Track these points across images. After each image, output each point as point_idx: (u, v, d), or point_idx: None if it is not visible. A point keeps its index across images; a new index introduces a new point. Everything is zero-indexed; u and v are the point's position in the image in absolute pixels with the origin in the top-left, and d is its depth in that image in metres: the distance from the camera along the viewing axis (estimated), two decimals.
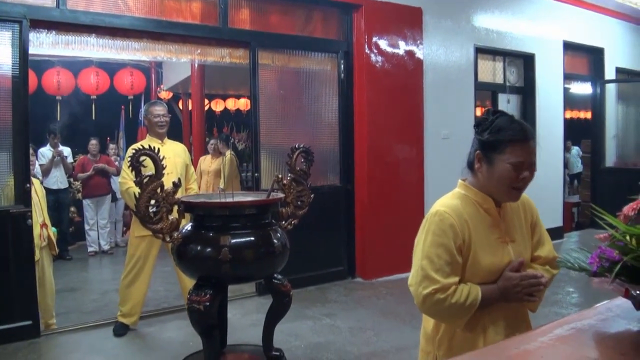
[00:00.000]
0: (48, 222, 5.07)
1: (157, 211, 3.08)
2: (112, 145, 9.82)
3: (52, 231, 5.11)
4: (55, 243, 5.15)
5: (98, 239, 8.77)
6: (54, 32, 4.97)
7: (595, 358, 1.34)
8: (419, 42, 7.06)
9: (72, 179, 9.17)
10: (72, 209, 9.47)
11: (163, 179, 3.08)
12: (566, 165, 11.76)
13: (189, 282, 4.85)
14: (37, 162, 7.77)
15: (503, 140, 1.98)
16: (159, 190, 3.07)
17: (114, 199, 9.18)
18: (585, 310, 1.71)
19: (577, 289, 6.19)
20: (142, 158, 3.03)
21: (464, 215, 2.03)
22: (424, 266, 1.97)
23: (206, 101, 11.82)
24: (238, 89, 13.30)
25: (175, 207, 3.18)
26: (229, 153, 8.66)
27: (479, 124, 2.10)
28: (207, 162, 8.84)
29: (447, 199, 2.12)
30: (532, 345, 1.38)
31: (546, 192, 7.92)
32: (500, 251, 2.04)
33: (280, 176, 3.59)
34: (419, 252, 2.03)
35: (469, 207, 2.06)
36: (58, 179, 8.22)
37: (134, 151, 3.04)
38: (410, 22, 6.99)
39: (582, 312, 1.70)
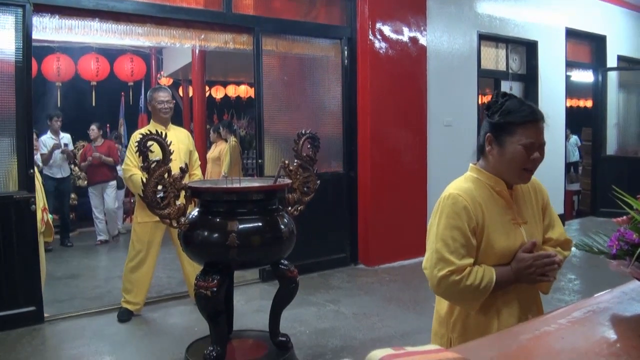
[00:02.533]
0: (47, 207, 5.07)
1: (164, 197, 3.07)
2: (92, 127, 9.45)
3: (49, 217, 5.10)
4: (52, 229, 5.14)
5: (107, 227, 8.70)
6: (57, 16, 4.93)
7: (614, 339, 1.35)
8: (422, 28, 7.04)
9: (73, 166, 9.16)
10: (73, 195, 9.45)
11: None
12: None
13: (192, 270, 4.89)
14: (40, 150, 7.77)
15: (514, 122, 2.00)
16: (166, 175, 3.05)
17: (120, 186, 9.05)
18: (601, 293, 1.71)
19: (579, 276, 6.21)
20: (149, 143, 3.02)
21: (477, 198, 2.03)
22: (439, 249, 1.98)
23: (206, 88, 11.77)
24: (238, 76, 13.26)
25: (183, 193, 3.17)
26: (232, 139, 8.64)
27: (489, 106, 2.12)
28: (211, 149, 8.84)
29: (459, 182, 2.12)
30: (551, 327, 1.38)
31: (547, 180, 7.85)
32: (513, 233, 2.05)
33: (287, 162, 3.58)
34: (433, 235, 2.04)
35: (481, 190, 2.07)
36: (62, 168, 8.15)
37: (141, 136, 3.02)
38: (413, 8, 6.97)
39: (597, 295, 1.70)
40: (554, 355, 1.23)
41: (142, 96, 11.28)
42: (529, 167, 2.01)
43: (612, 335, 1.38)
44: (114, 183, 8.75)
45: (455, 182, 2.14)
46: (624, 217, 1.54)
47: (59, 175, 8.10)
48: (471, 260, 1.97)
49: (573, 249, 2.18)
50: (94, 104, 10.09)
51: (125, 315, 4.94)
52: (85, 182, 9.19)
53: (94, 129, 8.68)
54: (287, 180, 3.52)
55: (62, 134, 8.20)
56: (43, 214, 4.87)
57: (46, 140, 8.03)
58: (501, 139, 2.03)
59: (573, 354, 1.22)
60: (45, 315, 4.84)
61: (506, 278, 1.99)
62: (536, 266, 1.97)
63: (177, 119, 10.54)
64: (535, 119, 2.01)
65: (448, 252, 1.96)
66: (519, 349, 1.26)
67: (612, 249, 1.48)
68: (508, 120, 2.01)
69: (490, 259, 2.01)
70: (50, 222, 5.06)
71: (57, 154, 7.98)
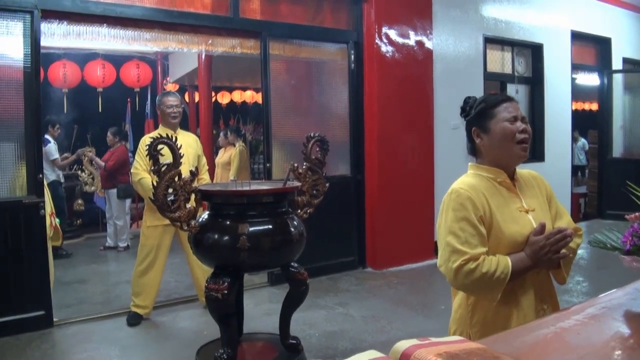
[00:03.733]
0: (54, 211, 5.09)
1: (175, 199, 3.08)
2: (110, 137, 9.27)
3: (57, 221, 5.13)
4: (60, 233, 5.17)
5: (115, 234, 8.52)
6: (65, 22, 4.96)
7: (628, 334, 1.36)
8: (428, 32, 7.06)
9: (80, 172, 9.19)
10: (80, 201, 9.47)
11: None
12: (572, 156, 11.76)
13: (202, 273, 4.91)
14: (51, 156, 7.79)
15: (490, 105, 2.13)
16: (176, 178, 3.07)
17: (120, 195, 8.55)
18: (614, 290, 1.72)
19: (587, 278, 6.19)
20: (159, 146, 3.04)
21: (481, 189, 2.07)
22: (450, 242, 1.99)
23: (212, 93, 11.81)
24: (244, 81, 13.30)
25: (193, 196, 3.18)
26: (239, 144, 8.67)
27: (463, 109, 2.25)
28: (219, 154, 8.86)
29: (460, 179, 2.17)
30: (566, 323, 1.39)
31: (554, 183, 7.88)
32: (522, 220, 2.07)
33: (296, 165, 3.59)
34: (443, 231, 2.05)
35: (484, 183, 2.11)
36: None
37: (151, 139, 3.04)
38: (419, 12, 6.99)
39: (610, 292, 1.71)
40: (571, 349, 1.24)
41: (149, 102, 11.31)
42: (520, 139, 2.07)
43: (626, 330, 1.39)
44: (113, 192, 8.45)
45: (457, 180, 2.17)
46: (637, 214, 1.55)
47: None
48: (484, 249, 1.98)
49: (580, 251, 2.20)
50: (100, 110, 10.13)
51: (134, 319, 4.95)
52: (93, 188, 9.20)
53: (109, 136, 8.70)
54: (297, 183, 3.53)
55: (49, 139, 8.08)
56: (51, 218, 4.90)
57: (52, 147, 8.02)
58: (485, 126, 2.13)
59: (589, 349, 1.23)
60: (55, 319, 4.86)
61: (522, 264, 1.99)
62: (550, 244, 1.96)
63: (184, 125, 10.56)
64: (508, 99, 2.14)
65: (459, 243, 1.97)
66: (536, 344, 1.27)
67: (626, 245, 1.49)
68: (483, 106, 2.14)
69: (502, 248, 2.02)
70: (59, 226, 5.08)
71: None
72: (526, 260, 1.99)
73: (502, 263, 1.95)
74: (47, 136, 7.92)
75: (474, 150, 2.21)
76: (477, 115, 2.15)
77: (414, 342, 0.92)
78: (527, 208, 2.11)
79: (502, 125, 2.07)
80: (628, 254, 1.49)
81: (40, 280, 4.70)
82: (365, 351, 0.92)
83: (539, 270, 2.06)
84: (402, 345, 0.91)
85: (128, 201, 8.61)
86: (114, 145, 8.67)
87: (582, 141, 14.32)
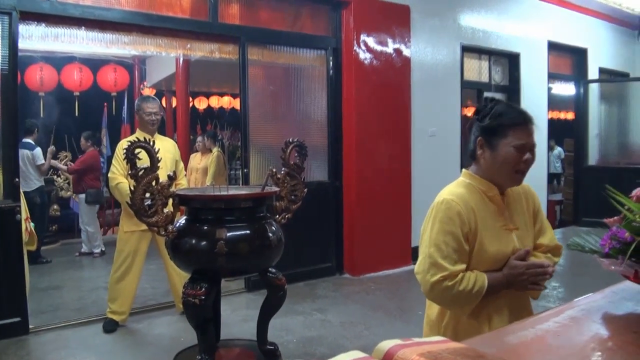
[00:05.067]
0: (29, 216, 5.03)
1: (152, 204, 3.06)
2: (83, 141, 8.90)
3: (31, 226, 5.06)
4: (35, 237, 5.11)
5: (89, 240, 8.39)
6: (43, 24, 4.92)
7: (608, 335, 1.37)
8: (406, 39, 7.10)
9: (55, 177, 9.11)
10: (55, 207, 9.37)
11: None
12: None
13: (179, 279, 4.87)
14: (37, 161, 7.67)
15: (505, 124, 2.04)
16: (154, 183, 3.05)
17: (88, 200, 8.33)
18: (592, 293, 1.74)
19: (563, 284, 6.26)
20: (137, 150, 3.01)
21: (470, 203, 2.05)
22: (432, 254, 1.99)
23: (190, 99, 11.77)
24: (222, 87, 13.27)
25: (171, 201, 3.16)
26: (215, 150, 8.64)
27: (479, 111, 2.16)
28: (197, 160, 8.82)
29: (452, 187, 2.14)
30: (546, 325, 1.40)
31: None
32: (505, 239, 2.07)
33: (274, 170, 3.58)
34: (426, 240, 2.04)
35: (474, 195, 2.09)
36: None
37: (129, 143, 3.01)
38: (398, 20, 7.03)
39: (589, 295, 1.72)
40: (552, 350, 1.25)
41: (125, 106, 11.24)
42: (521, 169, 2.04)
43: (606, 332, 1.40)
44: (81, 197, 8.31)
45: (448, 187, 2.16)
46: (616, 217, 1.56)
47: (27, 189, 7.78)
48: (463, 266, 1.99)
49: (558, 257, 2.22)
50: (76, 114, 10.04)
51: (110, 326, 4.90)
52: (69, 193, 9.12)
53: (82, 141, 8.64)
54: (275, 188, 3.52)
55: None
56: (26, 223, 4.84)
57: (39, 152, 7.87)
58: (492, 142, 2.06)
59: (570, 350, 1.24)
60: (30, 326, 4.80)
61: (497, 283, 2.01)
62: (529, 274, 1.99)
63: (161, 130, 10.50)
64: (525, 121, 2.05)
65: (441, 257, 1.97)
66: (517, 345, 1.28)
67: (605, 248, 1.49)
68: (499, 122, 2.05)
69: (482, 265, 2.03)
70: (34, 230, 5.02)
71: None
72: (502, 280, 2.02)
73: (479, 281, 1.97)
74: (29, 140, 7.76)
75: (474, 155, 2.16)
76: (488, 127, 2.07)
77: (397, 342, 0.91)
78: (512, 227, 2.11)
79: (509, 150, 2.01)
80: (606, 257, 1.51)
81: (15, 286, 4.63)
82: (349, 351, 0.91)
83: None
84: (386, 345, 0.91)
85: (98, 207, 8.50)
86: (87, 149, 8.58)
87: (558, 149, 14.50)
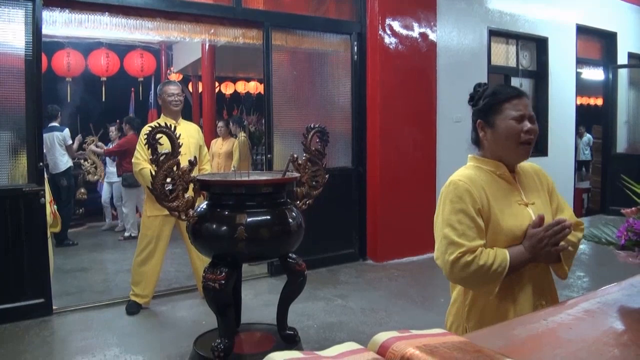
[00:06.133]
0: (53, 199, 5.11)
1: (173, 189, 3.07)
2: (111, 128, 9.37)
3: (54, 208, 5.14)
4: (59, 219, 5.19)
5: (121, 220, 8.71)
6: (67, 10, 4.95)
7: (623, 329, 1.34)
8: (432, 24, 7.02)
9: (83, 161, 9.24)
10: (82, 190, 9.48)
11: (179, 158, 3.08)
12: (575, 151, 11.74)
13: (201, 264, 4.89)
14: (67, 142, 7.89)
15: (500, 99, 2.07)
16: (175, 168, 3.06)
17: (124, 184, 8.68)
18: (610, 285, 1.70)
19: (588, 274, 6.18)
20: (158, 136, 3.03)
21: (480, 182, 2.04)
22: (447, 234, 1.97)
23: (216, 84, 11.79)
24: (248, 72, 13.27)
25: (191, 186, 3.17)
26: (242, 135, 8.64)
27: (472, 97, 2.19)
28: (218, 144, 8.82)
29: (459, 171, 2.14)
30: (559, 318, 1.38)
31: (557, 178, 7.85)
32: (520, 214, 2.04)
33: (295, 156, 3.57)
34: (440, 223, 2.04)
35: (483, 175, 2.08)
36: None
37: (150, 128, 3.03)
38: (423, 4, 6.95)
39: (606, 287, 1.69)
40: (562, 344, 1.23)
41: (152, 92, 11.30)
42: (525, 139, 2.03)
43: (620, 326, 1.37)
44: (118, 180, 8.69)
45: (456, 172, 2.14)
46: (633, 208, 1.53)
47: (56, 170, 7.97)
48: (482, 242, 1.96)
49: (582, 246, 2.17)
50: (103, 99, 10.14)
51: (133, 308, 4.96)
52: (96, 177, 9.27)
53: (125, 126, 8.90)
54: (296, 174, 3.52)
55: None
56: (50, 206, 4.91)
57: (68, 133, 8.06)
58: (491, 121, 2.08)
59: (581, 344, 1.22)
60: (54, 307, 4.87)
61: (520, 257, 1.96)
62: (548, 236, 1.94)
63: (187, 115, 10.57)
64: (519, 94, 2.07)
65: (456, 235, 1.95)
66: (527, 338, 1.26)
67: (621, 240, 1.47)
68: (493, 100, 2.08)
69: (500, 242, 1.99)
70: (57, 212, 5.10)
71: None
72: (524, 253, 1.97)
73: (500, 256, 1.92)
74: (55, 124, 7.91)
75: (477, 141, 2.17)
76: (484, 107, 2.10)
77: (393, 334, 0.90)
78: (527, 201, 2.08)
79: (508, 123, 2.02)
80: (623, 249, 1.48)
81: (40, 268, 4.70)
82: (344, 343, 0.90)
83: (537, 264, 2.03)
84: (381, 337, 0.90)
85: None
86: (127, 133, 8.72)
87: (588, 136, 14.29)
